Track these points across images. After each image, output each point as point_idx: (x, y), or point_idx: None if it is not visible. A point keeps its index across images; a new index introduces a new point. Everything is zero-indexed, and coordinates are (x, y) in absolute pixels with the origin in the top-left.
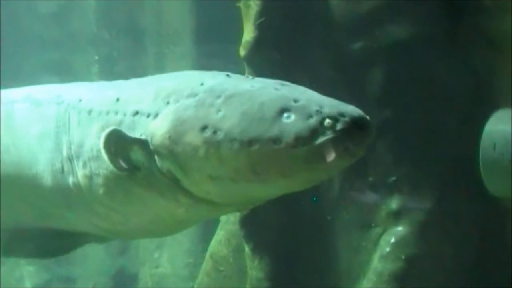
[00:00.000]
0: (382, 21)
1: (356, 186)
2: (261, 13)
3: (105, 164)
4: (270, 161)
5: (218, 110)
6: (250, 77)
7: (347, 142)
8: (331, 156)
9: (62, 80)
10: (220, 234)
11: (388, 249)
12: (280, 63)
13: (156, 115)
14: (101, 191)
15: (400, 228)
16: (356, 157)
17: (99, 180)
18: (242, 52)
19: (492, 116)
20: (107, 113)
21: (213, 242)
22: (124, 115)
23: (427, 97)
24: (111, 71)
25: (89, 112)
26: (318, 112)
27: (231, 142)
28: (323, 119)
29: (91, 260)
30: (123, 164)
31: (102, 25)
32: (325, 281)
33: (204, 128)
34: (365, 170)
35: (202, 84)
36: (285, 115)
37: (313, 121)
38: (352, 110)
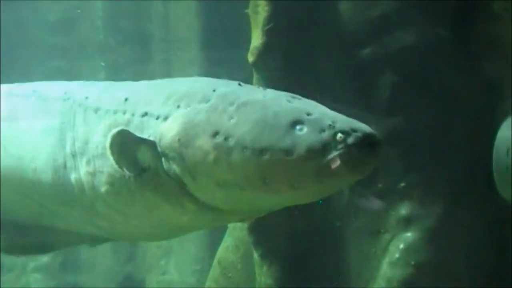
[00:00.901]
0: (391, 27)
1: (366, 193)
2: (270, 19)
3: (110, 162)
4: (280, 172)
5: (231, 117)
6: (261, 88)
7: (358, 157)
8: (341, 171)
9: None
10: (228, 241)
11: (397, 255)
12: (289, 69)
13: (166, 118)
14: (104, 189)
15: (409, 234)
16: (365, 173)
17: (102, 178)
18: (251, 58)
19: (505, 122)
20: (115, 112)
21: (221, 249)
22: (133, 115)
23: (437, 103)
24: (118, 78)
25: (96, 110)
26: (331, 126)
27: (242, 150)
28: (336, 133)
29: (98, 267)
30: (129, 165)
31: (109, 32)
32: (335, 287)
33: (215, 133)
34: (375, 177)
35: (214, 90)
36: (298, 127)
37: (326, 135)
38: (364, 126)
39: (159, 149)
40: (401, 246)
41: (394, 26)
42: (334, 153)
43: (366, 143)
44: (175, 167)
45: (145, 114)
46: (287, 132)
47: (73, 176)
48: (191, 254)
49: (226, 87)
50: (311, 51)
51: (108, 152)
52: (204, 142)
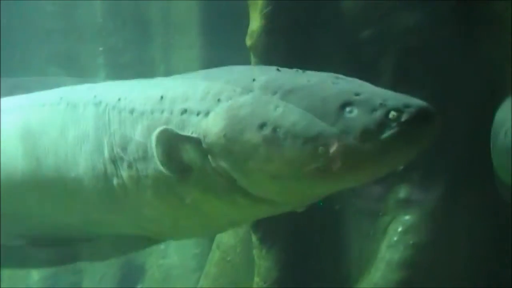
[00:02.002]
0: (392, 8)
1: None
2: (268, 2)
3: (154, 165)
4: (336, 157)
5: (276, 106)
6: (301, 71)
7: (414, 132)
8: (399, 148)
9: (68, 72)
10: None
11: (396, 238)
12: (288, 53)
13: (207, 113)
14: (149, 193)
15: (408, 217)
16: (423, 147)
17: (147, 182)
18: (249, 41)
19: (503, 103)
20: (152, 112)
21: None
22: (171, 113)
23: (438, 85)
24: (117, 62)
25: (131, 111)
26: (382, 105)
27: (293, 140)
28: (388, 111)
29: None
30: (175, 165)
31: (108, 16)
32: (334, 269)
33: (262, 125)
34: None
35: (254, 80)
36: (348, 109)
37: (378, 114)
38: (417, 101)
39: (204, 146)
40: (400, 228)
41: (395, 7)
42: (390, 132)
43: (421, 117)
44: (223, 164)
45: (185, 111)
46: (338, 116)
47: (115, 182)
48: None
49: (265, 75)
50: (310, 34)
51: (154, 153)
52: (252, 136)
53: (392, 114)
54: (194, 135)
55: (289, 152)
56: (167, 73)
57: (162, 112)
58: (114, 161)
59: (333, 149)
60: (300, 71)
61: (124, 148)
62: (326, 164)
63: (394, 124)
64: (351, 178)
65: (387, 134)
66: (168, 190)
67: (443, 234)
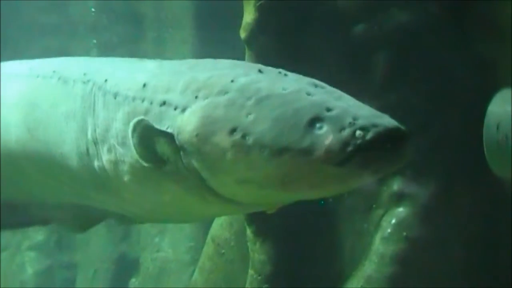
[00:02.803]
0: (386, 5)
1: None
2: None
3: (131, 152)
4: (300, 173)
5: (249, 113)
6: (283, 72)
7: (377, 154)
8: (361, 170)
9: None
10: (221, 218)
11: (389, 231)
12: (281, 46)
13: (184, 109)
14: (126, 178)
15: (401, 210)
16: (389, 170)
17: (124, 167)
18: (243, 34)
19: (495, 97)
20: (133, 99)
21: (215, 226)
22: (151, 103)
23: (431, 82)
24: (110, 56)
25: (115, 95)
26: (351, 124)
27: (260, 149)
28: (355, 131)
29: (93, 246)
30: (150, 156)
31: (101, 10)
32: (328, 263)
33: (233, 130)
34: None
35: (233, 81)
36: (318, 125)
37: (346, 133)
38: (387, 121)
39: (177, 142)
40: (393, 221)
41: (389, 4)
42: (355, 154)
43: (387, 138)
44: (194, 162)
45: (164, 103)
46: (307, 131)
47: (96, 164)
48: (185, 231)
49: (245, 76)
50: (304, 27)
51: (130, 142)
52: (222, 139)
53: (359, 133)
54: (169, 130)
55: (255, 161)
56: None
57: (143, 100)
58: (96, 143)
59: (296, 164)
60: (282, 72)
61: (106, 132)
62: (288, 177)
63: (359, 145)
64: (313, 193)
65: (351, 155)
66: (144, 177)
67: (436, 226)
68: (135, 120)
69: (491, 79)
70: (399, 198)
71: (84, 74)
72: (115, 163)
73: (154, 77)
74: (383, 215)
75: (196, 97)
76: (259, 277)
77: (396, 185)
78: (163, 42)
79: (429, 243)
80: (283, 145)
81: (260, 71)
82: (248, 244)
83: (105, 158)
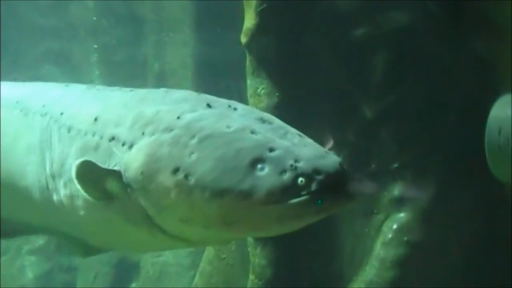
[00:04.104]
0: (385, 5)
1: (359, 173)
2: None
3: None
4: (241, 215)
5: (191, 152)
6: (233, 106)
7: (322, 201)
8: (304, 215)
9: (62, 70)
10: None
11: (390, 235)
12: (282, 50)
13: (131, 146)
14: (82, 212)
15: (402, 215)
16: (334, 212)
17: (79, 202)
18: (243, 39)
19: (497, 101)
20: (85, 133)
21: None
22: (101, 138)
23: (431, 83)
24: (111, 59)
25: (69, 129)
26: (292, 167)
27: (202, 190)
28: (297, 176)
29: None
30: (98, 194)
31: (101, 14)
32: (329, 267)
33: (176, 170)
34: (368, 157)
35: (179, 117)
36: (259, 166)
37: (287, 178)
38: (330, 165)
39: (124, 180)
40: (394, 226)
41: (388, 4)
42: (296, 200)
43: (331, 186)
44: (140, 199)
45: (112, 138)
46: (248, 172)
47: (55, 198)
48: None
49: (192, 112)
50: (304, 31)
51: (75, 182)
52: (165, 178)
53: (301, 180)
54: (117, 167)
55: (197, 201)
56: (161, 70)
57: (94, 135)
58: (54, 177)
59: (236, 206)
60: (232, 106)
61: (61, 167)
62: (230, 219)
63: (302, 192)
64: (255, 233)
65: (292, 201)
66: (97, 212)
67: (436, 231)
68: (77, 162)
69: (490, 79)
70: (399, 203)
71: (43, 106)
72: (71, 197)
73: (105, 110)
74: (384, 220)
75: (143, 133)
76: (260, 282)
77: (397, 190)
78: (164, 44)
79: (429, 247)
80: (224, 186)
81: (208, 105)
82: (249, 248)
83: (62, 192)
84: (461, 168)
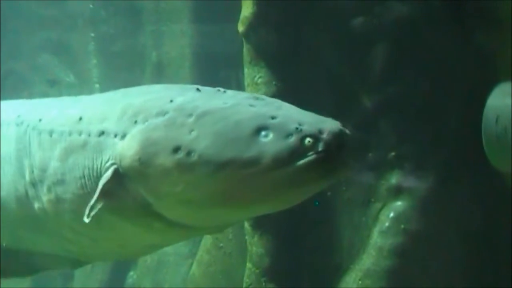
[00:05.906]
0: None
1: (358, 163)
2: None
3: (71, 188)
4: (248, 185)
5: (191, 130)
6: (222, 90)
7: (329, 161)
8: (314, 177)
9: (60, 59)
10: None
11: (387, 224)
12: (279, 39)
13: (123, 135)
14: (68, 216)
15: (399, 203)
16: (340, 175)
17: (65, 206)
18: (241, 28)
19: (494, 90)
20: (70, 134)
21: None
22: (89, 135)
23: (430, 74)
24: (109, 49)
25: (50, 133)
26: (298, 130)
27: (206, 165)
28: (303, 137)
29: None
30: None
31: (99, 3)
32: (326, 256)
33: (176, 149)
34: (367, 148)
35: (171, 101)
36: (263, 133)
37: (293, 140)
38: (332, 126)
39: (120, 170)
40: (391, 215)
41: None
42: (304, 160)
43: (336, 145)
44: (138, 187)
45: (102, 133)
46: (252, 140)
47: (36, 206)
48: None
49: (183, 95)
50: (302, 20)
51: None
52: (165, 160)
53: (308, 140)
54: (111, 160)
55: (201, 178)
56: (159, 60)
57: (80, 134)
58: (34, 184)
59: (244, 176)
60: (221, 90)
61: (43, 172)
62: (238, 191)
63: (310, 152)
64: (264, 206)
65: (301, 162)
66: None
67: (434, 220)
68: (108, 173)
69: (491, 72)
70: (397, 192)
71: (18, 116)
72: (56, 202)
73: (88, 109)
74: (381, 209)
75: (136, 121)
76: (257, 270)
77: (394, 178)
78: (161, 34)
79: (427, 236)
80: (229, 157)
81: (198, 89)
82: (246, 237)
83: (45, 198)
84: (460, 159)
